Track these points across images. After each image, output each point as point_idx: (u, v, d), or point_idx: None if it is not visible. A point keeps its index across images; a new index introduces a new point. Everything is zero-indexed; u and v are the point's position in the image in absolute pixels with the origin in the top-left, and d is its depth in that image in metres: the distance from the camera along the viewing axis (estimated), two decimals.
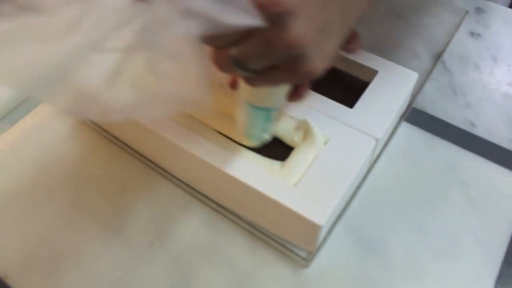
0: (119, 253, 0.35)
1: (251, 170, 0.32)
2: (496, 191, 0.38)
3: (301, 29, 0.23)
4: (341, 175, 0.32)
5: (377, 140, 0.34)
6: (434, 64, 0.46)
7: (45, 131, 0.42)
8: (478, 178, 0.39)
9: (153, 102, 0.24)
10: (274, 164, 0.33)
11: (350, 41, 0.30)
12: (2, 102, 0.44)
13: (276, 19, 0.22)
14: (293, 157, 0.33)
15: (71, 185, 0.39)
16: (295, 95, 0.31)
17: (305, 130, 0.34)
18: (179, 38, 0.21)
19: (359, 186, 0.37)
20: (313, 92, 0.37)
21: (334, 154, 0.33)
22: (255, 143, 0.34)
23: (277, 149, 0.35)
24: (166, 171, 0.38)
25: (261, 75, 0.26)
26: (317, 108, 0.36)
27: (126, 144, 0.40)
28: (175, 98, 0.24)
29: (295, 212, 0.30)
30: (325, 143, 0.34)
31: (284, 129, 0.35)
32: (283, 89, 0.30)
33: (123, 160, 0.40)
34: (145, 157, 0.39)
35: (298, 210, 0.30)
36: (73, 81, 0.22)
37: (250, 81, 0.27)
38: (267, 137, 0.34)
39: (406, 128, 0.42)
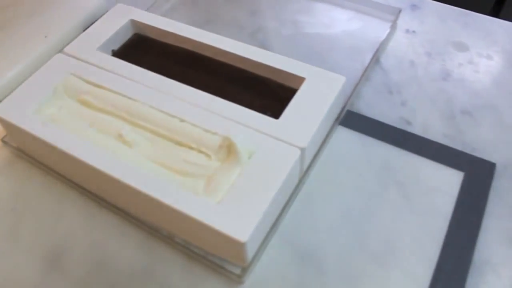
0: (57, 287, 0.34)
1: (174, 191, 0.32)
2: (431, 187, 0.38)
3: None
4: (265, 189, 0.32)
5: (302, 149, 0.34)
6: (368, 65, 0.46)
7: None
8: (413, 176, 0.39)
9: None
10: (198, 183, 0.33)
11: None
12: None
13: None
14: (217, 176, 0.33)
15: (7, 220, 0.38)
16: None
17: (229, 146, 0.34)
18: None
19: (292, 196, 0.37)
20: (237, 106, 0.37)
21: (258, 168, 0.33)
22: None
23: None
24: (101, 198, 0.38)
25: None
26: (242, 122, 0.36)
27: (60, 174, 0.39)
28: None
29: (218, 231, 0.30)
30: (250, 157, 0.34)
31: (210, 147, 0.35)
32: None
33: (58, 190, 0.40)
34: (79, 185, 0.39)
35: (221, 228, 0.30)
36: None
37: None
38: None
39: (342, 132, 0.42)
